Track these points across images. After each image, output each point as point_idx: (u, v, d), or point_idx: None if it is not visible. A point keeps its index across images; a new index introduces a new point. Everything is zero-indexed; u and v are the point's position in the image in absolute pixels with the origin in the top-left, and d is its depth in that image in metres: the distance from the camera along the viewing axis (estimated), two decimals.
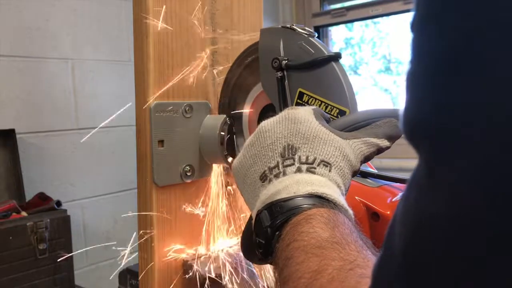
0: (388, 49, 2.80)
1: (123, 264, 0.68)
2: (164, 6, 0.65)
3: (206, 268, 0.68)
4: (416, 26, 0.24)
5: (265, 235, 0.43)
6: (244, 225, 0.53)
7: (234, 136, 0.70)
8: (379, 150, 0.50)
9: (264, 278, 0.73)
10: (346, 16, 2.72)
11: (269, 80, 0.62)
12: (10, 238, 1.49)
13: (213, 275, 0.68)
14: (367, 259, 0.35)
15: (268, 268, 0.72)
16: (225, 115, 0.70)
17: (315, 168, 0.45)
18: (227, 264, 0.70)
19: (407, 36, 0.25)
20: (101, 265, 2.03)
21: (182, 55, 0.68)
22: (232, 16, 0.75)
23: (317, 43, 0.59)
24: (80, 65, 1.94)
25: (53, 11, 1.86)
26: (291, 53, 0.60)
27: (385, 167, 2.07)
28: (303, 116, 0.49)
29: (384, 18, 2.70)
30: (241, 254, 0.53)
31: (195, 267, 0.68)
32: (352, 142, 0.48)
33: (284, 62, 0.60)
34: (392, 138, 0.50)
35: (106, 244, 2.03)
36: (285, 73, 0.61)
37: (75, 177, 1.94)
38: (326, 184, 0.44)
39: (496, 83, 0.20)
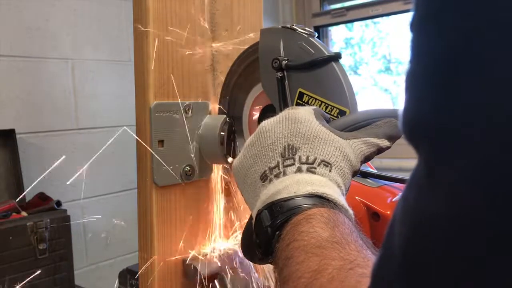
0: (388, 49, 2.80)
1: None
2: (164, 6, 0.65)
3: (206, 268, 0.68)
4: (415, 26, 0.24)
5: (266, 235, 0.43)
6: (244, 225, 0.53)
7: (235, 136, 0.70)
8: (379, 150, 0.50)
9: (264, 277, 0.73)
10: (346, 16, 2.72)
11: (269, 80, 0.62)
12: (10, 238, 1.49)
13: (213, 275, 0.68)
14: (367, 258, 0.35)
15: (269, 268, 0.72)
16: (225, 115, 0.70)
17: (315, 168, 0.45)
18: (227, 264, 0.70)
19: (407, 36, 0.25)
20: (101, 265, 2.03)
21: (182, 55, 0.68)
22: (232, 16, 0.75)
23: (317, 43, 0.59)
24: (80, 65, 1.94)
25: (53, 11, 1.86)
26: (291, 53, 0.60)
27: (385, 167, 2.07)
28: (304, 116, 0.49)
29: (384, 18, 2.70)
30: (241, 253, 0.53)
31: (195, 267, 0.68)
32: (352, 142, 0.48)
33: (284, 62, 0.60)
34: (392, 138, 0.50)
35: (106, 244, 2.04)
36: (285, 73, 0.61)
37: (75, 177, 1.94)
38: (327, 184, 0.44)
39: (495, 83, 0.20)
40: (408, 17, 0.25)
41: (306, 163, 0.46)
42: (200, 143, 0.70)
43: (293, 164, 0.46)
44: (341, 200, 0.43)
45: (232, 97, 0.72)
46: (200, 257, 0.70)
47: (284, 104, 0.61)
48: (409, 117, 0.24)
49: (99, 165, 2.01)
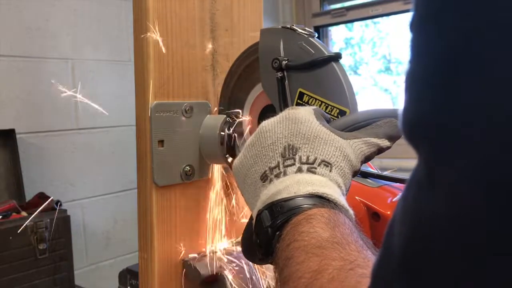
0: (388, 49, 2.80)
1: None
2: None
3: (206, 268, 0.68)
4: (415, 26, 0.24)
5: (266, 235, 0.43)
6: (244, 225, 0.53)
7: (235, 136, 0.70)
8: (380, 150, 0.50)
9: (264, 277, 0.73)
10: (346, 16, 2.72)
11: (269, 81, 0.62)
12: (10, 238, 1.49)
13: (213, 275, 0.68)
14: (368, 259, 0.35)
15: (269, 268, 0.72)
16: (225, 115, 0.70)
17: (315, 168, 0.45)
18: (227, 264, 0.70)
19: (407, 36, 0.25)
20: (101, 265, 2.04)
21: (182, 55, 0.68)
22: (232, 16, 0.75)
23: (317, 43, 0.59)
24: (80, 65, 1.94)
25: (53, 11, 1.86)
26: (291, 53, 0.60)
27: (385, 167, 2.07)
28: (304, 116, 0.49)
29: (384, 18, 2.70)
30: (242, 254, 0.53)
31: (195, 267, 0.68)
32: (352, 142, 0.48)
33: (284, 62, 0.60)
34: (392, 138, 0.50)
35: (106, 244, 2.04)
36: (285, 73, 0.61)
37: (75, 177, 1.94)
38: (327, 184, 0.44)
39: (495, 83, 0.20)
40: (408, 17, 0.25)
41: (307, 163, 0.46)
42: (200, 143, 0.70)
43: (294, 164, 0.46)
44: (342, 200, 0.43)
45: (232, 97, 0.72)
46: (200, 257, 0.70)
47: (284, 104, 0.61)
48: (409, 117, 0.24)
49: (99, 165, 2.02)
